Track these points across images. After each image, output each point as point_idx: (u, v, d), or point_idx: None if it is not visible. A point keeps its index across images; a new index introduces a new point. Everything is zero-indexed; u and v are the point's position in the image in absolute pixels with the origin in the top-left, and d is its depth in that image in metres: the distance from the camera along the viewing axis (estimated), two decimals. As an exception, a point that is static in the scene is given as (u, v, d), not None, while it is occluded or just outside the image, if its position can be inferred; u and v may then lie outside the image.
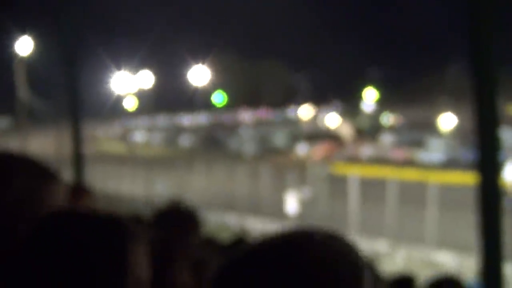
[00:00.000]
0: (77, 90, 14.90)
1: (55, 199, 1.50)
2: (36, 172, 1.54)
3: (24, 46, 54.34)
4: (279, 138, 72.96)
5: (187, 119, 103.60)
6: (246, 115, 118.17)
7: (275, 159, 59.99)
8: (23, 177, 1.49)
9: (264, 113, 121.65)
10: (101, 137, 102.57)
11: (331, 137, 69.62)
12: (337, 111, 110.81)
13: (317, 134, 70.18)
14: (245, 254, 0.83)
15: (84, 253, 1.11)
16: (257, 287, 0.77)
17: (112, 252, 1.12)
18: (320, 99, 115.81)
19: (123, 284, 1.11)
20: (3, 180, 1.48)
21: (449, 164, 48.04)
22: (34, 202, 1.46)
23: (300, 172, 33.28)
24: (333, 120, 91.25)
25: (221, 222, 33.89)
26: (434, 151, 52.38)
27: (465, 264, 23.57)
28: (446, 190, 28.40)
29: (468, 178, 33.18)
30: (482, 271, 9.82)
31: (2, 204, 1.46)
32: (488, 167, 9.83)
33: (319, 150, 62.32)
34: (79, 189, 3.25)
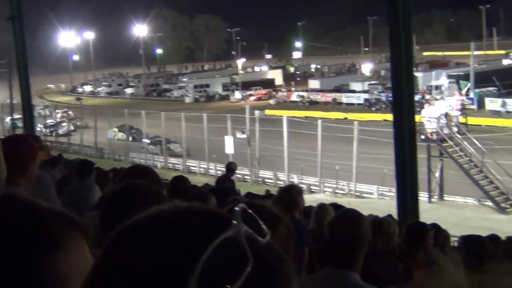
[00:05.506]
0: (24, 45, 14.51)
1: None
2: None
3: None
4: (217, 87, 72.80)
5: (131, 72, 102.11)
6: (186, 66, 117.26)
7: (214, 105, 59.93)
8: None
9: (204, 64, 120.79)
10: (51, 90, 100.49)
11: (265, 84, 69.87)
12: (269, 61, 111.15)
13: (252, 82, 70.38)
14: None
15: None
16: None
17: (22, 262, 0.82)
18: (255, 51, 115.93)
19: None
20: None
21: (370, 105, 48.67)
22: None
23: (237, 116, 33.26)
24: (266, 69, 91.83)
25: (167, 164, 33.83)
26: (356, 94, 52.95)
27: (385, 194, 24.15)
28: (368, 128, 28.83)
29: (386, 117, 33.77)
30: (400, 202, 10.10)
31: None
32: (403, 107, 10.02)
33: (254, 96, 62.60)
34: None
